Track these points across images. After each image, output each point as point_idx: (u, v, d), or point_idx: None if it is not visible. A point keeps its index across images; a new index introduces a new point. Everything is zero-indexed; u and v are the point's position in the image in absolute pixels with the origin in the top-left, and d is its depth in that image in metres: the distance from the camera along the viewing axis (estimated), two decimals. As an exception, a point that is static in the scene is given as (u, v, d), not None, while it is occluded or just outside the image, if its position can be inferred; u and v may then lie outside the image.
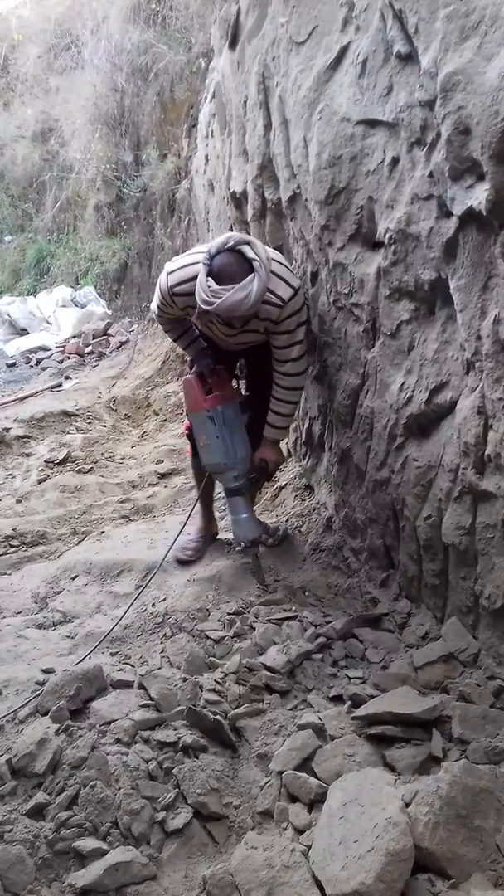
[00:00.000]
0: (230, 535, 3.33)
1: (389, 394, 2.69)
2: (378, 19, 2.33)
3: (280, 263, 2.84)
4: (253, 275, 2.60)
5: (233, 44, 3.96)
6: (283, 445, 4.33)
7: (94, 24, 10.09)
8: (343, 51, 2.61)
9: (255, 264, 2.61)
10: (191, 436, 3.31)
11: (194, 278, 2.71)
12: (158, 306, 3.04)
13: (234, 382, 3.37)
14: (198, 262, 2.72)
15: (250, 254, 2.62)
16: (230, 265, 2.62)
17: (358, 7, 2.48)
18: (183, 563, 3.39)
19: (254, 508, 3.50)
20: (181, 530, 3.36)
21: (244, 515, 3.14)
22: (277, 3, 3.12)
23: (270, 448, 3.21)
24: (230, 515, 3.22)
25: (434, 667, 2.42)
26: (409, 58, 2.19)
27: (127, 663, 2.61)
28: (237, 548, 3.19)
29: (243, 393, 3.44)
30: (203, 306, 2.64)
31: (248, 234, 4.18)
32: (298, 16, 2.90)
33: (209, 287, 2.60)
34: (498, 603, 2.24)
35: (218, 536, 3.60)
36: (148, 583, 3.12)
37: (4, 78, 12.56)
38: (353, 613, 2.92)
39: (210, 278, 2.62)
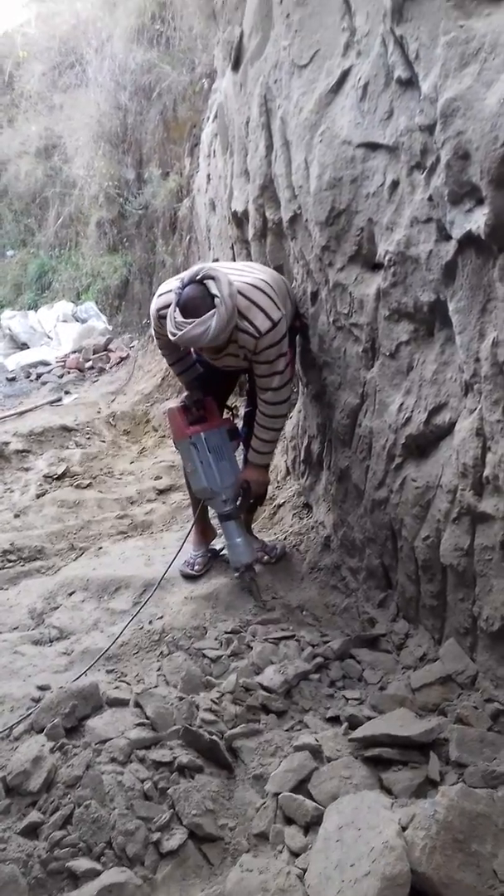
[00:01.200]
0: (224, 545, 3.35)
1: (388, 414, 2.70)
2: (379, 44, 2.36)
3: (264, 294, 2.84)
4: (213, 311, 2.64)
5: (235, 65, 4.01)
6: (281, 463, 4.34)
7: (99, 43, 10.17)
8: (344, 75, 2.65)
9: (216, 301, 2.64)
10: None
11: None
12: (154, 329, 3.12)
13: (229, 403, 3.41)
14: None
15: (213, 290, 2.66)
16: (194, 299, 2.67)
17: (359, 32, 2.51)
18: (190, 577, 3.41)
19: (252, 527, 3.51)
20: (180, 549, 3.37)
21: (238, 540, 3.15)
22: (280, 27, 3.16)
23: (254, 470, 3.23)
24: (225, 541, 3.23)
25: (432, 689, 2.41)
26: (409, 83, 2.22)
27: (123, 681, 2.60)
28: (235, 574, 3.20)
29: (245, 408, 3.47)
30: (170, 336, 2.72)
31: (249, 253, 4.21)
32: (300, 39, 2.93)
33: (175, 318, 2.67)
34: (496, 625, 2.23)
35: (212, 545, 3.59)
36: (146, 602, 3.11)
37: (9, 94, 12.64)
38: (351, 633, 2.91)
39: (178, 309, 2.68)
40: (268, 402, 3.04)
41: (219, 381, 3.30)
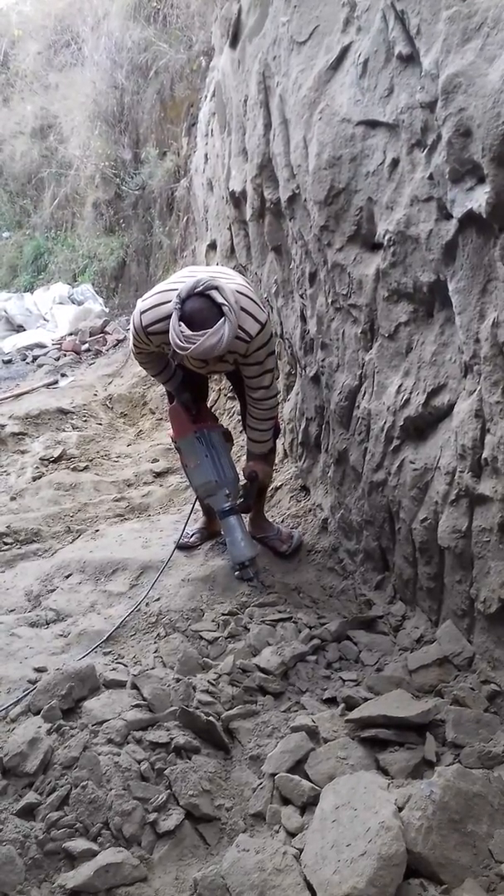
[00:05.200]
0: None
1: (387, 396, 2.68)
2: (380, 20, 2.32)
3: (248, 298, 2.85)
4: (223, 319, 2.61)
5: (233, 43, 3.96)
6: (279, 446, 4.33)
7: (95, 21, 10.05)
8: (344, 51, 2.61)
9: (225, 309, 2.62)
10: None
11: (167, 318, 2.72)
12: (134, 344, 3.05)
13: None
14: (169, 302, 2.71)
15: (219, 299, 2.63)
16: (201, 311, 2.63)
17: (360, 7, 2.47)
18: (184, 547, 3.47)
19: (264, 514, 3.58)
20: (182, 532, 3.42)
21: (239, 536, 3.14)
22: (279, 3, 3.11)
23: (257, 461, 3.28)
24: (226, 538, 3.22)
25: (428, 670, 2.42)
26: (410, 59, 2.18)
27: (120, 663, 2.60)
28: (235, 573, 3.18)
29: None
30: (178, 351, 2.66)
31: (247, 233, 4.17)
32: (300, 15, 2.89)
33: (182, 333, 2.62)
34: (493, 607, 2.23)
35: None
36: (149, 590, 3.10)
37: (4, 74, 12.51)
38: (348, 615, 2.91)
39: (182, 323, 2.63)
40: (260, 398, 3.08)
41: (194, 384, 3.30)
